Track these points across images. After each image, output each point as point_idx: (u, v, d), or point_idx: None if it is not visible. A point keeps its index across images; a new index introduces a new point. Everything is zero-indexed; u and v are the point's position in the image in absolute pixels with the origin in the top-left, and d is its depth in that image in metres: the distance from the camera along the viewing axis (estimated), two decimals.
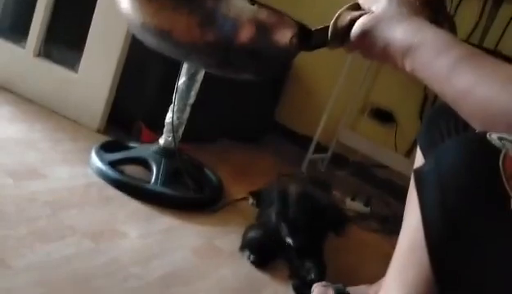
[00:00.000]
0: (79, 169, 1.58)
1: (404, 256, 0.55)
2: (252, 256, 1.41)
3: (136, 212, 1.47)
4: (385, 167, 2.41)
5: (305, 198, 1.49)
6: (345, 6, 0.79)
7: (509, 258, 0.46)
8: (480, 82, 0.57)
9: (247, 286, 1.31)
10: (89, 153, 1.65)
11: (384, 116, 2.48)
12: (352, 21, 0.75)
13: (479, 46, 2.20)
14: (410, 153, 2.38)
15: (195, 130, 1.78)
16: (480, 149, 0.51)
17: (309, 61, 2.45)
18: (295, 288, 1.36)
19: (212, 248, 1.44)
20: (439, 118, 0.93)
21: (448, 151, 0.53)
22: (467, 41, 2.21)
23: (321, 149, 2.46)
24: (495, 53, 2.18)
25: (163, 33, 0.87)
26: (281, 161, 2.38)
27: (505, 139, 0.51)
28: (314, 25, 0.85)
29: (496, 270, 0.47)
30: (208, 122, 2.10)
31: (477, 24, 2.25)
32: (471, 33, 2.25)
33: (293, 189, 1.50)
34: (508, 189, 0.48)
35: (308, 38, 0.84)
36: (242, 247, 1.45)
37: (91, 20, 1.87)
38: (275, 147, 2.55)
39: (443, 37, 0.65)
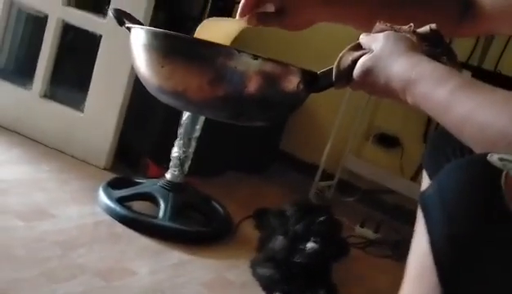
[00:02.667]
0: (88, 207, 1.59)
1: (414, 281, 0.55)
2: None
3: (145, 248, 1.47)
4: (392, 192, 2.40)
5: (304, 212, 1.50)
6: (347, 47, 0.81)
7: None
8: (477, 108, 0.58)
9: None
10: (97, 191, 1.65)
11: (388, 140, 2.48)
12: (354, 62, 0.78)
13: (479, 68, 2.22)
14: (416, 177, 2.37)
15: (201, 163, 1.79)
16: (481, 171, 0.51)
17: None
18: None
19: (223, 281, 1.43)
20: (443, 139, 0.93)
21: (450, 174, 0.53)
22: (466, 63, 2.23)
23: (327, 176, 2.46)
24: (495, 74, 2.20)
25: (178, 94, 0.92)
26: (288, 190, 2.38)
27: (506, 159, 0.52)
28: (318, 68, 0.89)
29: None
30: (213, 154, 2.11)
31: (475, 46, 2.27)
32: (470, 56, 2.27)
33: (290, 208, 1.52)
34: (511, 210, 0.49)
35: (314, 82, 0.88)
36: (266, 288, 1.43)
37: (95, 61, 1.90)
38: (281, 176, 2.55)
39: (440, 69, 0.66)
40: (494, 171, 0.51)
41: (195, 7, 2.18)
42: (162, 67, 0.91)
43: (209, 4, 1.51)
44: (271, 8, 0.96)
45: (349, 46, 0.81)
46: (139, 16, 1.80)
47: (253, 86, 0.88)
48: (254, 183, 2.34)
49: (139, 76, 0.97)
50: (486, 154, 0.53)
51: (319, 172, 2.36)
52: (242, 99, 0.89)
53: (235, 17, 0.99)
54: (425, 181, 1.25)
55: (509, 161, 0.52)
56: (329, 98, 2.51)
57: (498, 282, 0.49)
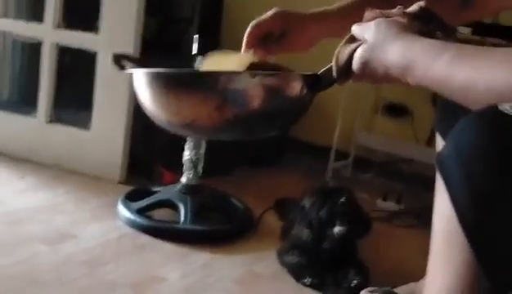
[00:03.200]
0: (109, 223, 1.59)
1: (442, 244, 0.55)
2: (308, 280, 1.40)
3: (171, 254, 1.47)
4: (409, 161, 2.38)
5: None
6: (342, 41, 0.81)
7: None
8: (477, 70, 0.58)
9: None
10: (115, 205, 1.66)
11: (397, 109, 2.46)
12: (351, 55, 0.78)
13: (479, 23, 2.19)
14: (430, 142, 2.35)
15: (214, 162, 1.79)
16: (494, 122, 0.51)
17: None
18: None
19: (252, 275, 1.43)
20: (453, 101, 0.92)
21: (464, 129, 0.52)
22: None
23: (341, 155, 2.45)
24: (494, 25, 2.16)
25: (188, 126, 0.96)
26: (305, 176, 2.36)
27: None
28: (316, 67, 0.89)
29: None
30: (225, 152, 2.10)
31: None
32: None
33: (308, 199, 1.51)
34: None
35: (317, 83, 0.88)
36: (296, 275, 1.43)
37: (94, 78, 1.91)
38: (295, 164, 2.54)
39: (434, 45, 0.67)
40: (507, 119, 0.50)
41: (186, 9, 2.17)
42: (168, 104, 0.95)
43: (199, 5, 1.50)
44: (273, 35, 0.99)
45: (344, 40, 0.81)
46: (131, 24, 1.81)
47: (258, 102, 0.90)
48: (270, 174, 2.33)
49: (147, 113, 0.99)
50: (496, 105, 0.52)
51: (333, 153, 2.35)
52: (250, 117, 0.91)
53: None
54: (440, 143, 1.24)
55: None
56: None
57: None
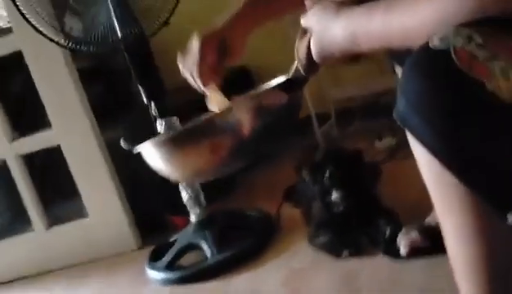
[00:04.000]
0: (146, 291, 1.60)
1: (434, 190, 0.56)
2: (346, 252, 1.40)
3: (216, 291, 1.48)
4: (387, 92, 2.39)
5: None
6: (297, 37, 0.84)
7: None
8: (407, 14, 0.60)
9: (346, 279, 1.32)
10: (144, 273, 1.67)
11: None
12: (309, 48, 0.80)
13: None
14: None
15: (211, 188, 1.80)
16: (429, 62, 0.52)
17: (260, 59, 2.45)
18: (386, 252, 1.36)
19: (293, 272, 1.44)
20: None
21: (408, 80, 0.54)
22: None
23: (323, 119, 2.46)
24: None
25: (196, 176, 1.13)
26: (298, 155, 2.36)
27: (446, 36, 0.52)
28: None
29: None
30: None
31: None
32: None
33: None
34: (476, 77, 0.49)
35: (292, 85, 0.92)
36: (333, 253, 1.44)
37: (68, 166, 1.91)
38: (283, 147, 2.53)
39: (364, 9, 0.69)
40: (443, 54, 0.52)
41: (118, 62, 2.17)
42: (173, 162, 1.04)
43: (127, 55, 1.51)
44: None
45: (298, 35, 0.84)
46: (77, 104, 1.81)
47: (247, 128, 0.95)
48: (267, 170, 2.32)
49: (163, 176, 1.10)
50: (427, 44, 0.54)
51: (314, 120, 2.36)
52: (247, 142, 0.95)
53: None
54: (398, 71, 1.27)
55: (448, 36, 0.52)
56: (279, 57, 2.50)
57: (492, 140, 0.50)
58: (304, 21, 0.81)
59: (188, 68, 1.04)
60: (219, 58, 1.02)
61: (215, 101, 1.04)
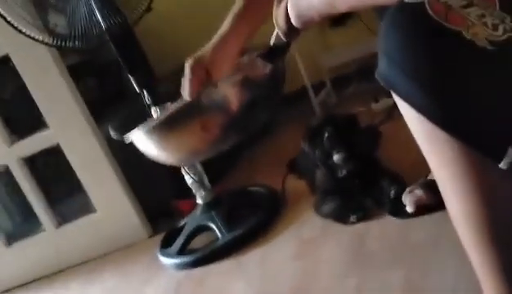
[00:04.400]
0: (162, 280, 1.62)
1: (428, 151, 0.56)
2: (353, 217, 1.41)
3: (232, 269, 1.50)
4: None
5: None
6: (274, 5, 0.84)
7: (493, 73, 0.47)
8: None
9: (356, 243, 1.33)
10: (158, 260, 1.69)
11: (341, 17, 2.44)
12: (286, 14, 0.80)
13: None
14: None
15: (214, 170, 1.80)
16: (405, 16, 0.51)
17: None
18: (392, 213, 1.37)
19: (304, 243, 1.46)
20: None
21: (387, 39, 0.53)
22: None
23: (318, 88, 2.45)
24: None
25: (192, 156, 1.11)
26: (297, 127, 2.35)
27: None
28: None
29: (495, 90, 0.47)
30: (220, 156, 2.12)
31: None
32: None
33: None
34: (452, 27, 0.49)
35: (275, 52, 0.91)
36: (340, 219, 1.44)
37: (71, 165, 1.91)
38: (285, 122, 2.52)
39: None
40: (418, 8, 0.51)
41: (106, 55, 2.16)
42: (168, 146, 1.05)
43: (114, 46, 1.49)
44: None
45: (274, 4, 0.84)
46: (71, 101, 1.80)
47: (235, 101, 0.95)
48: (268, 145, 2.33)
49: (157, 161, 1.10)
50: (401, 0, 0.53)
51: (310, 90, 2.35)
52: (236, 117, 0.95)
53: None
54: None
55: None
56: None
57: (477, 86, 0.49)
58: None
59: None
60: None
61: None
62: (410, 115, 0.55)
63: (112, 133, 1.20)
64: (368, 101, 2.14)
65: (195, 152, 1.08)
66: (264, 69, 0.94)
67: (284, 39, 0.86)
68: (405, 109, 0.54)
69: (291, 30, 0.83)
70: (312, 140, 1.47)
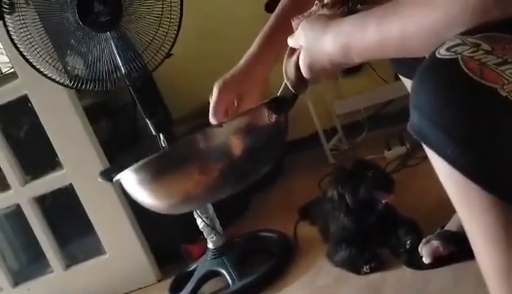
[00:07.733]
0: None
1: (461, 205, 0.56)
2: (366, 267, 1.38)
3: None
4: (390, 102, 2.40)
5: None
6: (285, 57, 0.85)
7: None
8: (404, 22, 0.59)
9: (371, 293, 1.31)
10: None
11: (354, 67, 2.48)
12: (297, 65, 0.81)
13: None
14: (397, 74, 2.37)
15: (225, 214, 1.79)
16: (438, 72, 0.52)
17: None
18: (408, 264, 1.35)
19: (319, 291, 1.43)
20: None
21: (419, 94, 0.54)
22: None
23: (331, 134, 2.46)
24: None
25: (187, 200, 1.00)
26: (310, 173, 2.36)
27: (451, 46, 0.52)
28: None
29: None
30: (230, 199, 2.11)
31: None
32: None
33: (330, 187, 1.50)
34: (487, 83, 0.49)
35: (281, 103, 0.91)
36: (353, 269, 1.42)
37: (83, 206, 1.91)
38: (294, 167, 2.53)
39: (356, 20, 0.68)
40: (452, 64, 0.52)
41: (123, 97, 2.19)
42: (158, 189, 0.99)
43: (132, 88, 1.51)
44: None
45: (285, 56, 0.85)
46: (86, 141, 1.81)
47: (236, 147, 0.93)
48: (278, 190, 2.32)
49: (149, 207, 1.04)
50: (434, 54, 0.53)
51: (322, 136, 2.36)
52: (236, 164, 0.93)
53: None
54: (407, 83, 1.27)
55: (454, 45, 0.52)
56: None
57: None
58: (292, 41, 0.82)
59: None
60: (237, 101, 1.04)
61: None
62: (442, 167, 0.55)
63: (99, 176, 1.18)
64: (380, 149, 2.14)
65: (188, 197, 1.01)
66: (269, 118, 0.94)
67: (292, 91, 0.86)
68: (436, 160, 0.54)
69: (300, 82, 0.83)
70: (345, 184, 1.44)
